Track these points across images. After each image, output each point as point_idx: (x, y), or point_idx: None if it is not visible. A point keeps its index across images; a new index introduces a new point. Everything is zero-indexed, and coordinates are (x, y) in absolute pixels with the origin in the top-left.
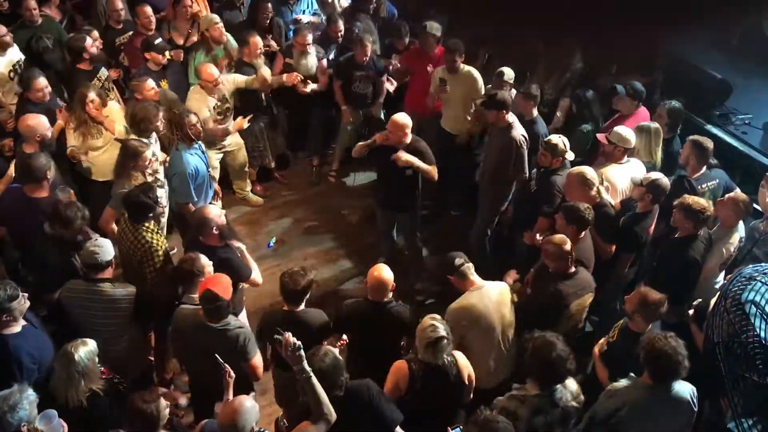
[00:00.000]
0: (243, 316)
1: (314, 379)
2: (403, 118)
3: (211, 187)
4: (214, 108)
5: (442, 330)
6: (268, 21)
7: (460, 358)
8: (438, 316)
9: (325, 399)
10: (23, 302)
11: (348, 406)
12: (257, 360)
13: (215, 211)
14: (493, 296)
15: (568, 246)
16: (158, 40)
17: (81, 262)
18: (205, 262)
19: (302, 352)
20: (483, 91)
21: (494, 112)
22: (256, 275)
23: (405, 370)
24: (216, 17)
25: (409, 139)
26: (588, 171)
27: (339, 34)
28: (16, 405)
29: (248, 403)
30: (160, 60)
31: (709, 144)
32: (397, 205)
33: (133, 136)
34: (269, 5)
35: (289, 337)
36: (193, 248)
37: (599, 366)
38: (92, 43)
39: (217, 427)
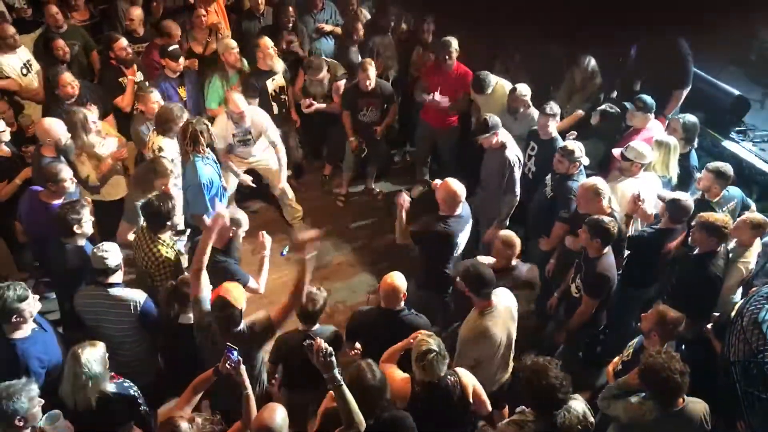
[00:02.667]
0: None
1: (345, 388)
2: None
3: (224, 196)
4: (233, 136)
5: (433, 344)
6: (291, 24)
7: (464, 374)
8: (432, 333)
9: (355, 407)
10: (33, 304)
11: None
12: None
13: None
14: (503, 316)
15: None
16: (173, 47)
17: (91, 267)
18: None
19: (333, 359)
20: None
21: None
22: (253, 284)
23: (407, 391)
24: (232, 42)
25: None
26: (600, 182)
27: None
28: (13, 395)
29: (280, 409)
30: (176, 67)
31: (729, 170)
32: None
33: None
34: (291, 8)
35: (321, 343)
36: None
37: None
38: (126, 45)
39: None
